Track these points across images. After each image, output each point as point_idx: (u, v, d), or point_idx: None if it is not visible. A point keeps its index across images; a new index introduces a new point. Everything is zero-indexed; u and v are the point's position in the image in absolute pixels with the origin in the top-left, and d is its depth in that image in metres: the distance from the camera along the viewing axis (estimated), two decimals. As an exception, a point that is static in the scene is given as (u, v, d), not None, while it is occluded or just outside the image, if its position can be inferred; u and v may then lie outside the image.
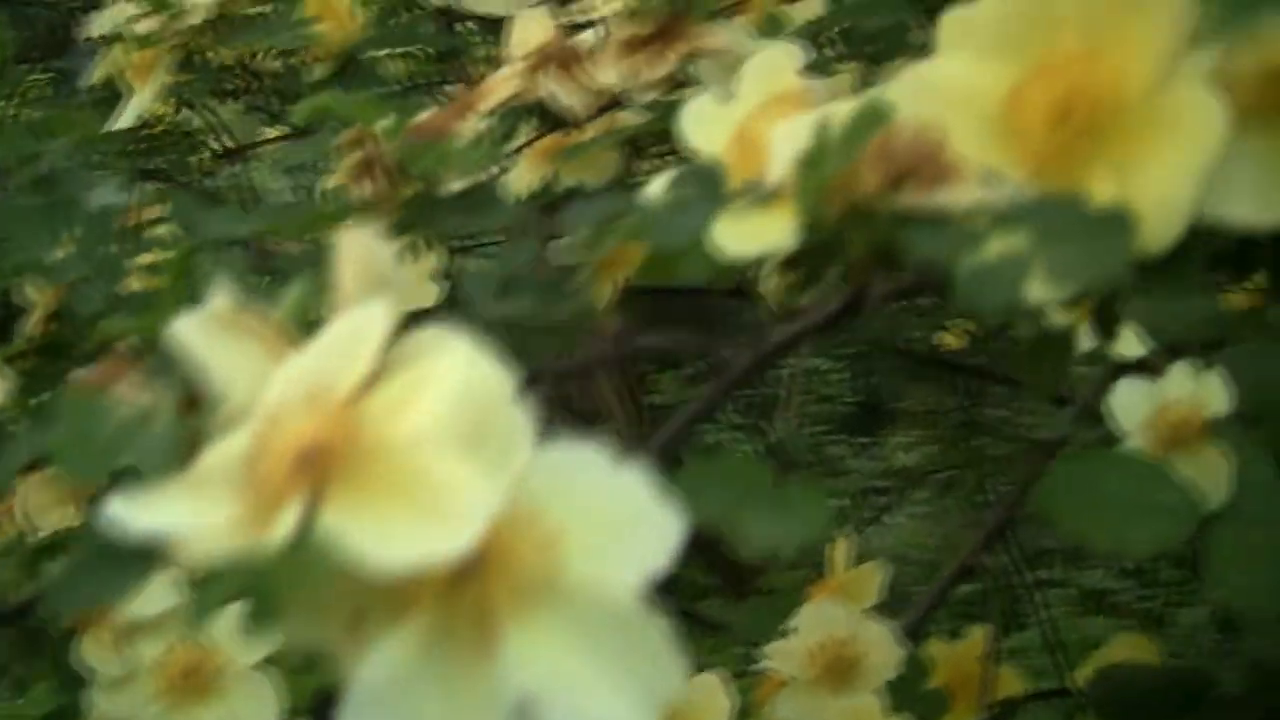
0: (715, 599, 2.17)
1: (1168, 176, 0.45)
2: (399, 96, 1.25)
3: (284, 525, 0.36)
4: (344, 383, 0.39)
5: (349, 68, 1.14)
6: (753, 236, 0.47)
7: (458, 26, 1.32)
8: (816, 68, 0.86)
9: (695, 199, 0.46)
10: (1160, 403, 0.79)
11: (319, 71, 1.15)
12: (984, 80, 0.49)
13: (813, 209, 0.41)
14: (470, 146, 0.59)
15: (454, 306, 0.59)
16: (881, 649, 0.99)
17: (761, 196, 0.44)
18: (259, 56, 1.19)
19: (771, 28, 0.87)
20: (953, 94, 0.49)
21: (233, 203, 1.59)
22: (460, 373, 0.39)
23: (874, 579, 1.09)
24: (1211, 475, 0.79)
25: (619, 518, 0.38)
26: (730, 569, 1.99)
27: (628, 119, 0.85)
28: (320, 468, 0.37)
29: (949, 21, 0.50)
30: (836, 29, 0.90)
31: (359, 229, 0.42)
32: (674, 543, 0.37)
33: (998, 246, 0.39)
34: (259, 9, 1.09)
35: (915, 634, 1.09)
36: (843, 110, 0.43)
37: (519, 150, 0.80)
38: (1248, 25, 0.40)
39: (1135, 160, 0.46)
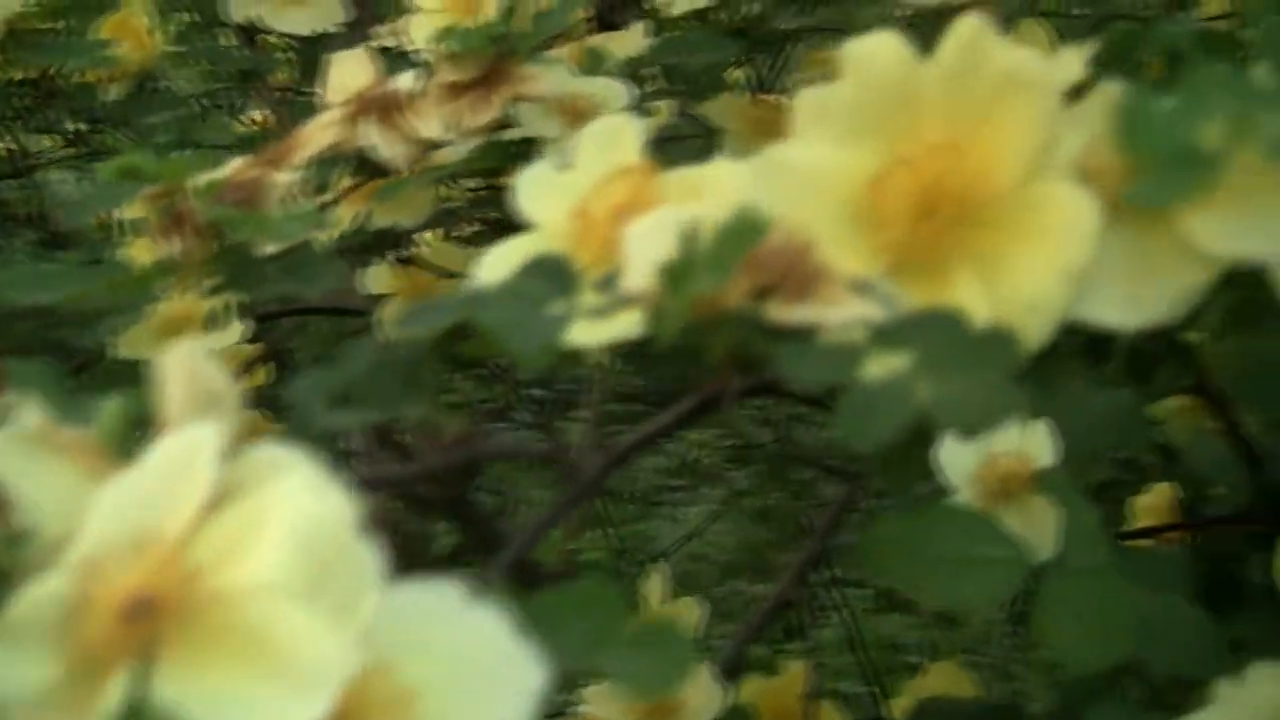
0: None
1: (1037, 276, 0.43)
2: (198, 117, 1.18)
3: (112, 695, 0.32)
4: (173, 520, 0.35)
5: (146, 87, 1.08)
6: (601, 326, 0.44)
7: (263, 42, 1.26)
8: (636, 105, 0.84)
9: (545, 296, 0.43)
10: (988, 455, 0.78)
11: (115, 91, 1.09)
12: (843, 168, 0.47)
13: (675, 321, 0.38)
14: (290, 216, 0.54)
15: (283, 416, 0.54)
16: (702, 692, 0.97)
17: (618, 300, 0.41)
18: (53, 75, 1.12)
19: (592, 64, 0.84)
20: (809, 182, 0.47)
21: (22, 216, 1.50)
22: (299, 505, 0.35)
23: (691, 614, 1.07)
24: (1039, 527, 0.78)
25: (477, 668, 0.35)
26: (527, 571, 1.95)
27: (444, 156, 0.81)
28: (151, 623, 0.33)
29: (805, 102, 0.48)
30: (657, 65, 0.87)
31: (185, 342, 0.38)
32: (535, 693, 0.34)
33: (876, 369, 0.37)
34: (51, 25, 1.02)
35: (733, 670, 1.07)
36: (711, 215, 0.40)
37: (335, 202, 0.76)
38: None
39: (1003, 257, 0.44)
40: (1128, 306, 0.44)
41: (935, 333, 0.38)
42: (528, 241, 0.54)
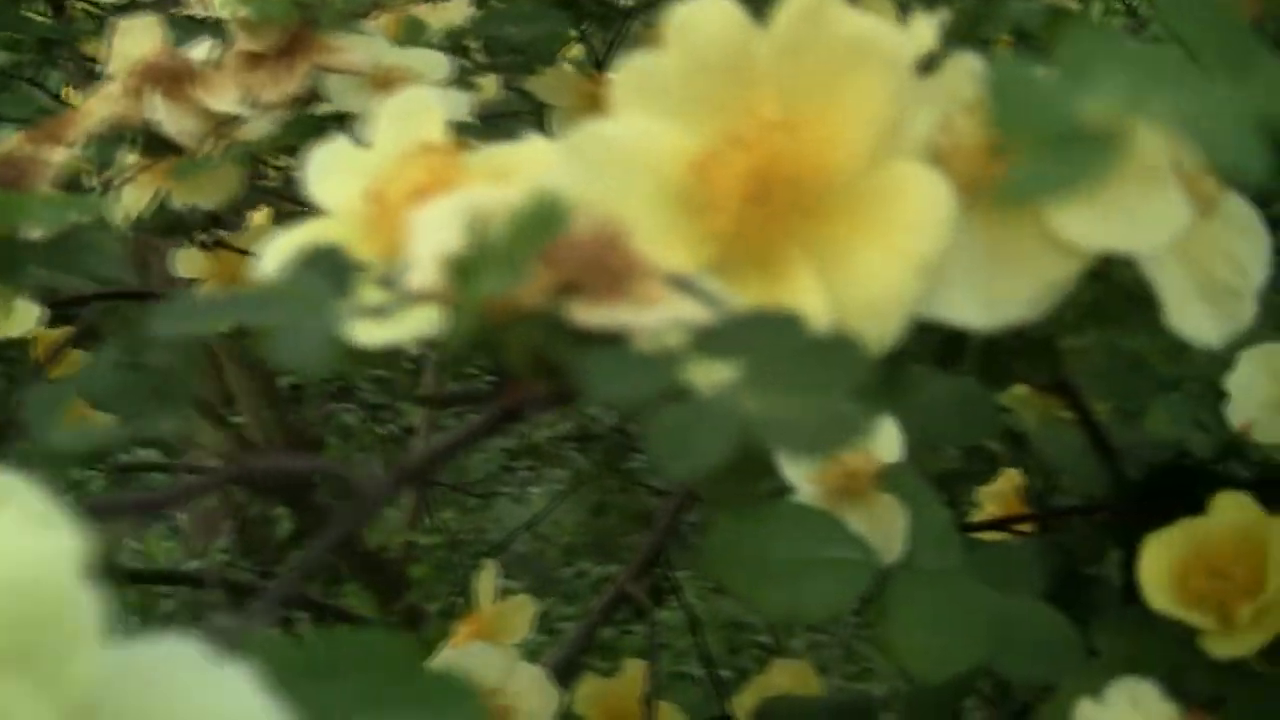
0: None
1: (883, 271, 0.38)
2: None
3: None
4: None
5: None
6: (390, 325, 0.37)
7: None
8: (458, 78, 0.77)
9: (323, 293, 0.37)
10: (831, 451, 0.73)
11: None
12: (666, 147, 0.41)
13: (466, 324, 0.32)
14: (56, 198, 0.47)
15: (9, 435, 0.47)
16: (534, 696, 0.91)
17: (402, 298, 0.35)
18: None
19: (411, 34, 0.78)
20: (628, 162, 0.41)
21: None
22: (9, 548, 0.28)
23: (523, 613, 1.01)
24: (887, 526, 0.74)
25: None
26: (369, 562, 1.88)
27: (249, 132, 0.74)
28: None
29: (627, 73, 0.42)
30: (481, 37, 0.80)
31: None
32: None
33: (698, 382, 0.31)
34: None
35: (568, 671, 1.02)
36: (503, 201, 0.34)
37: (120, 183, 0.68)
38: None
39: (845, 249, 0.39)
40: (985, 304, 0.39)
41: (767, 339, 0.32)
42: (316, 228, 0.47)
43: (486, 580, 1.03)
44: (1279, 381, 0.72)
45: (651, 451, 0.30)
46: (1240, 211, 0.43)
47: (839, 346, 0.32)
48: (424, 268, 0.35)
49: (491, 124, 0.93)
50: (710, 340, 0.32)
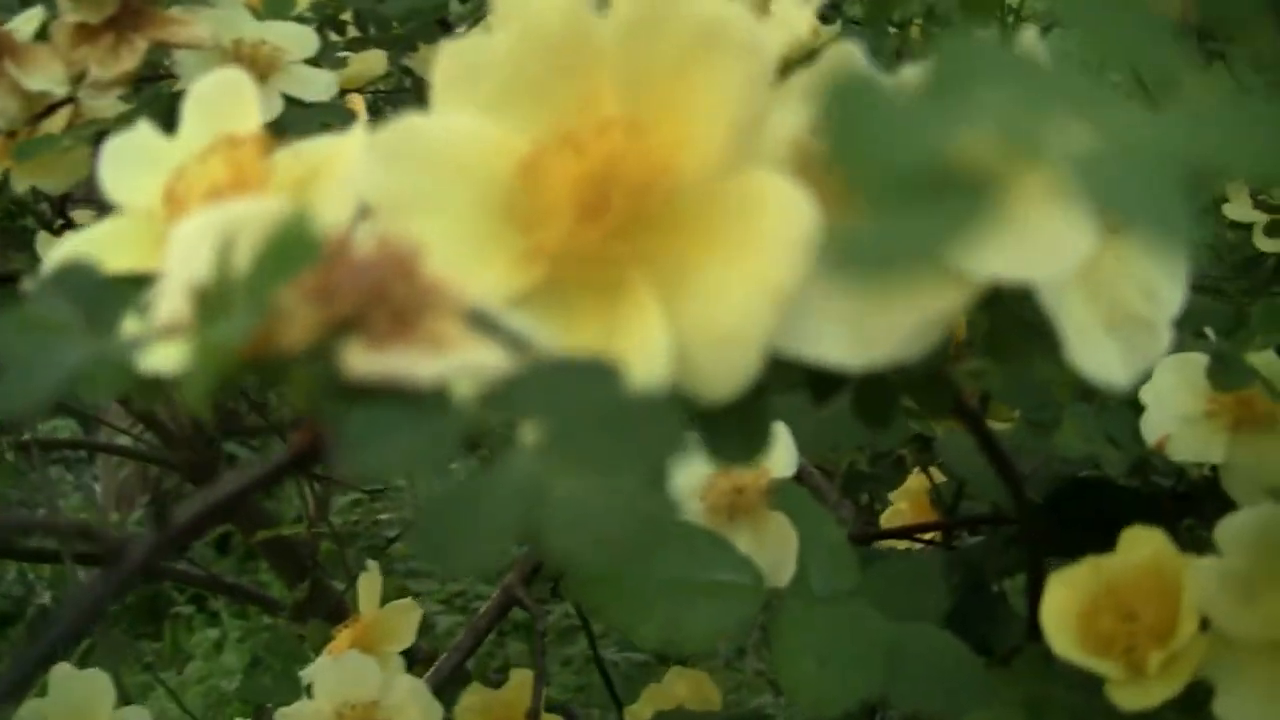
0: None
1: (736, 296, 0.32)
2: None
3: None
4: None
5: None
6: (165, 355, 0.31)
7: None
8: (325, 54, 0.70)
9: (69, 320, 0.30)
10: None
11: None
12: (488, 145, 0.35)
13: (205, 371, 0.26)
14: None
15: None
16: (414, 709, 0.85)
17: (152, 333, 0.28)
18: None
19: (276, 7, 0.70)
20: (445, 164, 0.35)
21: None
22: None
23: (409, 618, 0.94)
24: (777, 548, 0.68)
25: None
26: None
27: (96, 110, 0.67)
28: None
29: (448, 58, 0.35)
30: (353, 9, 0.73)
31: None
32: None
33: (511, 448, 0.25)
34: None
35: (451, 681, 0.95)
36: (257, 217, 0.28)
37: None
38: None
39: (692, 271, 0.32)
40: (855, 340, 0.33)
41: (573, 395, 0.26)
42: (107, 231, 0.41)
43: (369, 584, 0.96)
44: (1198, 394, 0.67)
45: (418, 538, 0.24)
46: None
47: (657, 410, 0.26)
48: (171, 296, 0.28)
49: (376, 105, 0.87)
50: (504, 395, 0.25)
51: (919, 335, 0.33)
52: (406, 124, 0.34)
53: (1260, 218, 0.74)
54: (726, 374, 0.31)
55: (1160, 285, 0.37)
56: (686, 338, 0.32)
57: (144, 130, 0.43)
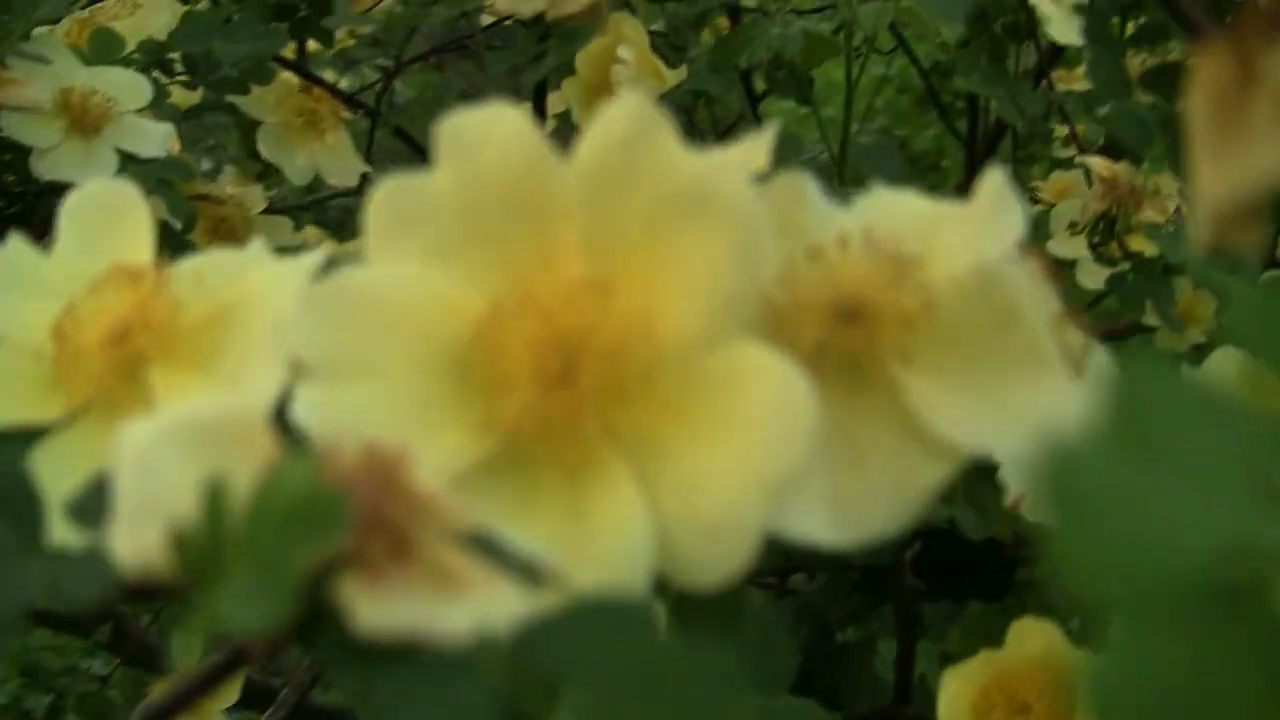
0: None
1: (723, 482, 0.29)
2: None
3: None
4: None
5: None
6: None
7: None
8: (158, 102, 0.65)
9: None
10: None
11: None
12: (439, 302, 0.31)
13: (211, 635, 0.22)
14: None
15: None
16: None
17: (126, 566, 0.24)
18: None
19: (102, 49, 0.65)
20: (387, 323, 0.31)
21: None
22: None
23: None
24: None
25: None
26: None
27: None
28: None
29: (386, 196, 0.32)
30: (182, 52, 0.68)
31: None
32: None
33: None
34: None
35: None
36: (230, 425, 0.24)
37: None
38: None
39: (674, 452, 0.30)
40: (844, 517, 0.30)
41: (611, 652, 0.23)
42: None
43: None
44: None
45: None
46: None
47: (716, 672, 0.23)
48: (134, 525, 0.24)
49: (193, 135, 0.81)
50: (532, 652, 0.22)
51: (899, 514, 0.31)
52: (342, 276, 0.31)
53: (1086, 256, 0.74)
54: (712, 565, 0.29)
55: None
56: (667, 523, 0.29)
57: (17, 246, 0.38)
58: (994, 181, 0.33)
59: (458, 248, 0.31)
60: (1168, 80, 0.42)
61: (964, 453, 0.30)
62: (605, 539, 0.29)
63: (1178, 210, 0.71)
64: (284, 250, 0.81)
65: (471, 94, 1.12)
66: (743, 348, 0.29)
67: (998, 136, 1.31)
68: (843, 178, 0.80)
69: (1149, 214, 0.70)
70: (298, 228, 0.88)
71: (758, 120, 0.99)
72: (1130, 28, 0.55)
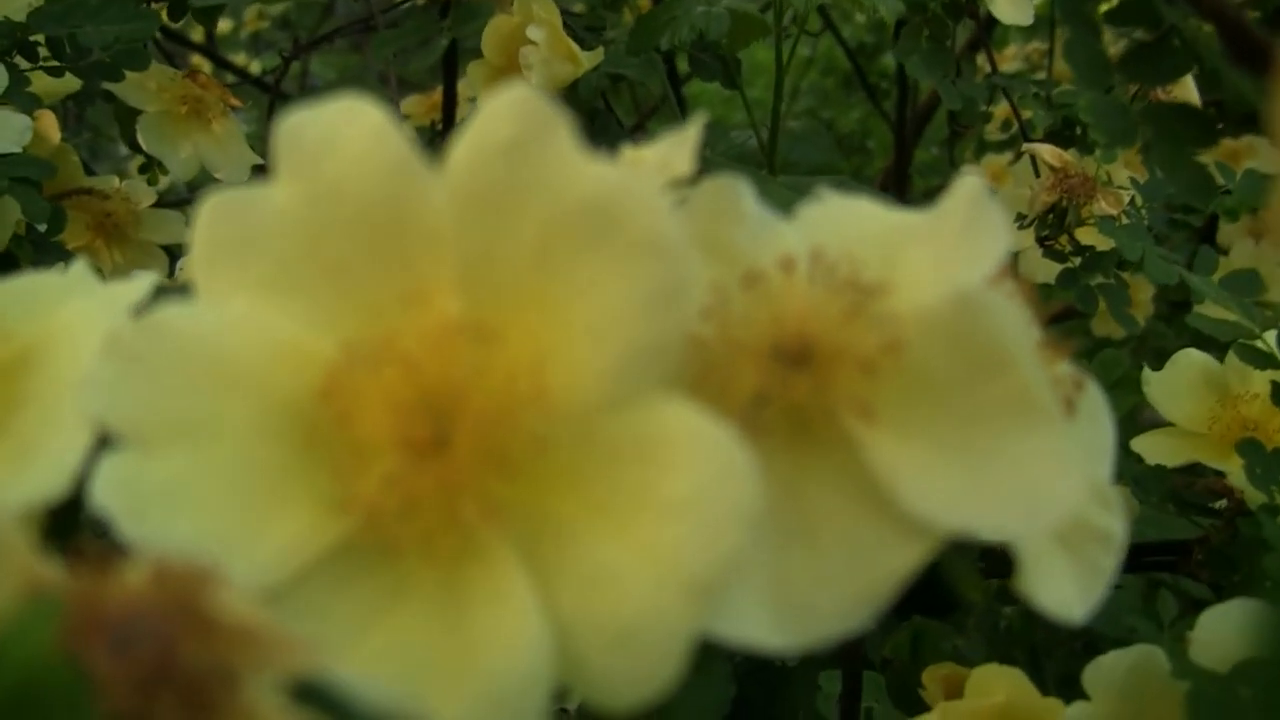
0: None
1: (638, 581, 0.23)
2: None
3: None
4: None
5: None
6: None
7: None
8: (15, 91, 0.57)
9: None
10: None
11: None
12: (277, 349, 0.24)
13: None
14: None
15: None
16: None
17: None
18: None
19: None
20: (211, 375, 0.24)
21: None
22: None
23: None
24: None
25: None
26: None
27: None
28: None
29: (215, 216, 0.25)
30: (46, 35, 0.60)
31: None
32: None
33: None
34: None
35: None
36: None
37: None
38: None
39: (575, 540, 0.23)
40: (790, 612, 0.24)
41: None
42: None
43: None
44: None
45: None
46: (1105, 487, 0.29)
47: None
48: None
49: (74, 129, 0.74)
50: None
51: (860, 608, 0.24)
52: (157, 319, 0.24)
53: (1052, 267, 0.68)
54: (626, 683, 0.22)
55: (1109, 487, 0.29)
56: (568, 630, 0.22)
57: None
58: (969, 189, 0.26)
59: (302, 280, 0.24)
60: (1150, 63, 0.36)
61: (939, 531, 0.24)
62: (490, 654, 0.22)
63: (1131, 202, 0.65)
64: (173, 251, 0.73)
65: (388, 77, 1.05)
66: (661, 407, 0.22)
67: (926, 117, 1.26)
68: (773, 166, 0.74)
69: (1102, 205, 0.64)
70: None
71: (680, 105, 0.93)
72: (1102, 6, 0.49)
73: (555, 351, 0.23)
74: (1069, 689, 0.47)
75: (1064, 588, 0.28)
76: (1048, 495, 0.24)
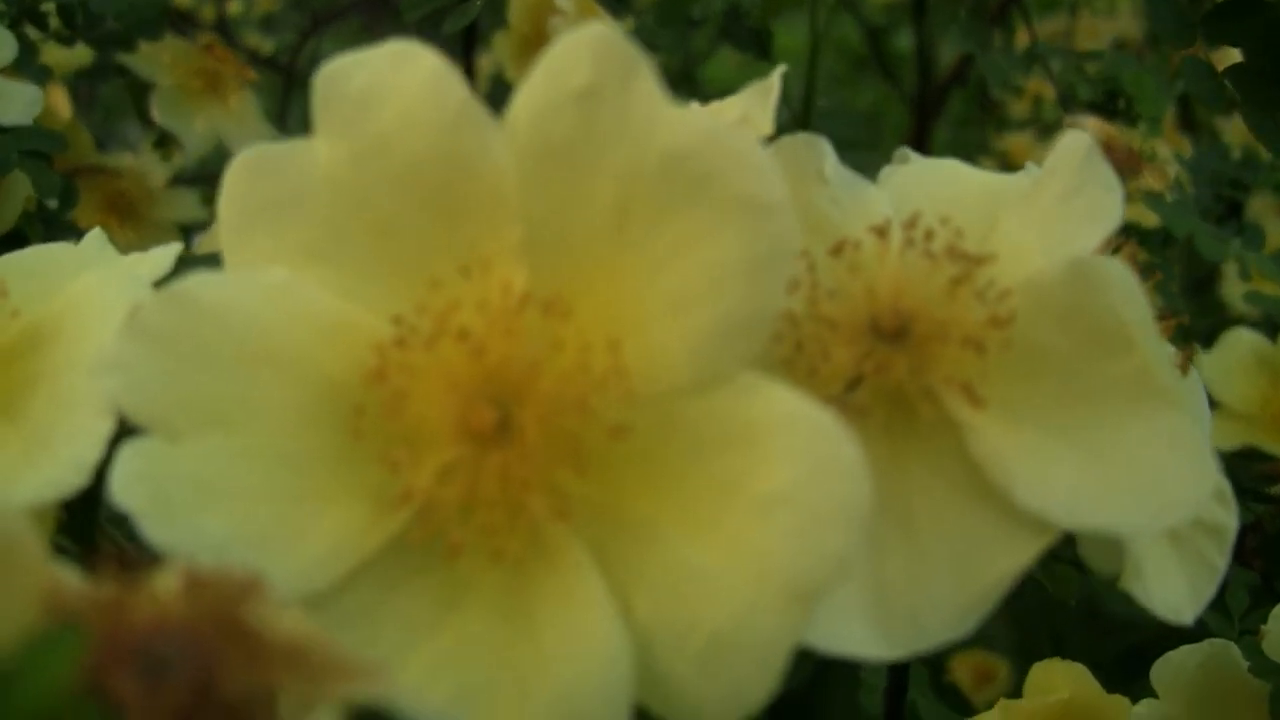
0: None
1: (733, 586, 0.20)
2: None
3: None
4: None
5: None
6: None
7: None
8: (25, 60, 0.54)
9: None
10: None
11: None
12: (320, 323, 0.21)
13: None
14: None
15: None
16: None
17: None
18: None
19: (-40, -2, 0.54)
20: (248, 353, 0.21)
21: None
22: None
23: None
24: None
25: None
26: None
27: None
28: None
29: (247, 174, 0.22)
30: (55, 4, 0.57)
31: None
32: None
33: None
34: None
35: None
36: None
37: None
38: None
39: (657, 539, 0.20)
40: (892, 616, 0.21)
41: None
42: None
43: None
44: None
45: None
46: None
47: None
48: None
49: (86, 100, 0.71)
50: None
51: (980, 604, 0.21)
52: (183, 290, 0.21)
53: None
54: (719, 696, 0.19)
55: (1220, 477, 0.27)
56: (649, 639, 0.20)
57: None
58: (1077, 146, 0.24)
59: (347, 247, 0.22)
60: (1230, 25, 0.33)
61: (1056, 528, 0.21)
62: (562, 665, 0.20)
63: (1175, 178, 0.62)
64: (188, 230, 0.70)
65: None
66: (753, 390, 0.20)
67: (943, 96, 1.22)
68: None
69: (1148, 180, 0.61)
70: (207, 200, 0.77)
71: (693, 83, 0.89)
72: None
73: (634, 326, 0.20)
74: (1097, 676, 0.44)
75: (1177, 588, 0.25)
76: (1176, 488, 0.21)
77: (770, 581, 0.19)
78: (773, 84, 0.24)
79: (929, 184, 0.26)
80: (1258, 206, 0.96)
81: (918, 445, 0.22)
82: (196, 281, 0.21)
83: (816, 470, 0.19)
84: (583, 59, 0.20)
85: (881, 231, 0.23)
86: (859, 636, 0.21)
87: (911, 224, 0.23)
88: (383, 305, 0.21)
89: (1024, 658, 0.80)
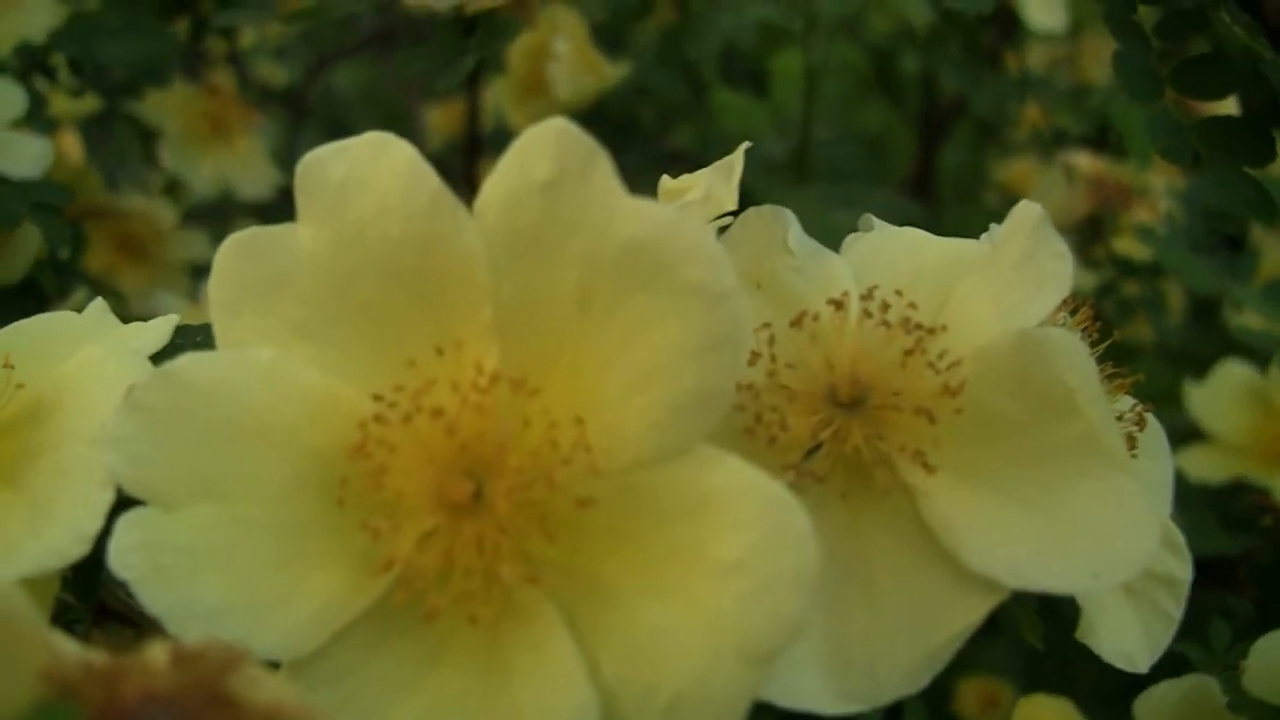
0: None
1: (691, 646, 0.21)
2: None
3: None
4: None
5: None
6: None
7: None
8: (35, 114, 0.56)
9: None
10: None
11: None
12: (306, 400, 0.23)
13: None
14: None
15: None
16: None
17: None
18: None
19: (-29, 52, 0.55)
20: (238, 429, 0.23)
21: None
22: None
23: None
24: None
25: None
26: None
27: None
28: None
29: (236, 257, 0.23)
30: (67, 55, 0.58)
31: None
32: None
33: None
34: None
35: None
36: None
37: None
38: None
39: (621, 601, 0.22)
40: (848, 673, 0.22)
41: None
42: None
43: None
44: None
45: None
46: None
47: None
48: None
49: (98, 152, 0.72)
50: None
51: (934, 661, 0.22)
52: (177, 369, 0.22)
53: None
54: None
55: (1173, 529, 0.28)
56: (615, 697, 0.21)
57: None
58: (1026, 217, 0.25)
59: (331, 327, 0.23)
60: (1202, 76, 0.34)
61: (1006, 589, 0.22)
62: (538, 715, 0.21)
63: (1168, 211, 0.63)
64: (198, 269, 0.71)
65: (408, 88, 1.03)
66: (709, 462, 0.21)
67: (949, 120, 1.23)
68: (804, 176, 0.72)
69: (1139, 214, 0.62)
70: (217, 239, 0.79)
71: (702, 114, 0.91)
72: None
73: (598, 404, 0.21)
74: (1102, 701, 0.45)
75: (1130, 638, 0.26)
76: (1121, 548, 0.22)
77: (727, 643, 0.20)
78: (736, 160, 0.26)
79: (890, 252, 0.27)
80: (1259, 234, 0.97)
81: (874, 509, 0.23)
82: (189, 360, 0.22)
83: (768, 539, 0.20)
84: (546, 152, 0.21)
85: (839, 304, 0.24)
86: (818, 692, 0.22)
87: (868, 296, 0.24)
88: (364, 382, 0.22)
89: (1030, 684, 0.81)
